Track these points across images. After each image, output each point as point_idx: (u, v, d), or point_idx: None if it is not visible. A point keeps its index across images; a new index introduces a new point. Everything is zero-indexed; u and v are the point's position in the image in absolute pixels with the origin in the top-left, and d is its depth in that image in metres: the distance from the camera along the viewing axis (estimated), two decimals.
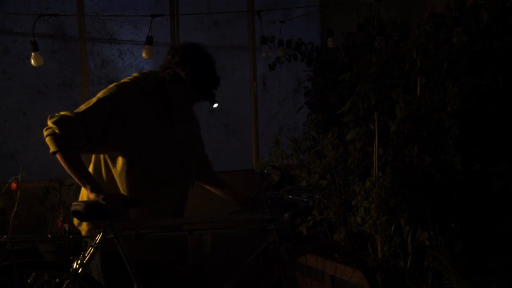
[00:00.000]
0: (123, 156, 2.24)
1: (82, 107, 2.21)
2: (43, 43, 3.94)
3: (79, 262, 2.14)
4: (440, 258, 2.80)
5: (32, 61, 3.57)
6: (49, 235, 2.31)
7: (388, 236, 3.19)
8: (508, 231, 2.64)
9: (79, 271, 2.12)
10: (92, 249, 2.16)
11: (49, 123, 2.14)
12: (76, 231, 2.36)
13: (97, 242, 2.17)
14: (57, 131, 2.12)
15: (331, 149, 3.61)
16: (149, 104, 2.30)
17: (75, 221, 2.36)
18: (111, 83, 4.11)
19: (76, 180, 2.20)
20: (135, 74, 2.39)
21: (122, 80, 2.36)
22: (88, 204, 2.13)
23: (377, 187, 3.17)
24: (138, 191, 2.25)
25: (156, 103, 2.32)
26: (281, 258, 2.45)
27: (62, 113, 2.16)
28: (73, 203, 2.19)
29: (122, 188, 2.25)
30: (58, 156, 2.16)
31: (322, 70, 4.26)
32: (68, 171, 2.21)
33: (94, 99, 2.23)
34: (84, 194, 2.30)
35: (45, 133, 2.16)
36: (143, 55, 3.88)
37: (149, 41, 3.82)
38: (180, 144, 2.37)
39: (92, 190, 2.17)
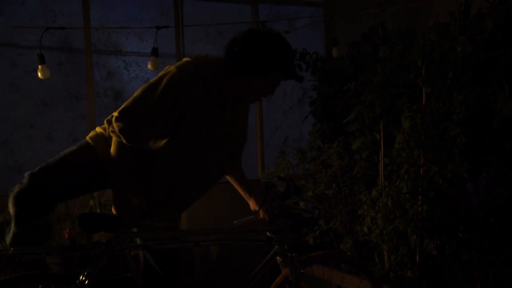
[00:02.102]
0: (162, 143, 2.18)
1: (145, 100, 2.06)
2: (50, 56, 3.98)
3: (85, 273, 2.14)
4: (448, 268, 2.79)
5: (39, 74, 3.59)
6: (55, 247, 2.31)
7: (395, 245, 3.17)
8: None
9: (86, 282, 2.12)
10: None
11: (116, 128, 2.07)
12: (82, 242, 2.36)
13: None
14: (123, 140, 2.08)
15: (336, 159, 3.61)
16: (207, 97, 2.16)
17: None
18: (117, 95, 4.26)
19: (120, 175, 2.15)
20: (197, 58, 2.18)
21: (186, 63, 2.15)
22: (94, 216, 2.14)
23: (383, 196, 3.17)
24: (159, 177, 2.22)
25: (215, 97, 2.18)
26: (287, 269, 2.44)
27: (127, 117, 2.06)
28: (79, 215, 2.20)
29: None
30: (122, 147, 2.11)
31: (327, 80, 4.26)
32: (119, 163, 2.14)
33: (159, 90, 2.05)
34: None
35: (112, 134, 2.11)
36: (149, 66, 3.90)
37: (155, 52, 3.84)
38: (222, 145, 2.30)
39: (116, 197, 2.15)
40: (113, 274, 2.35)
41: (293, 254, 2.45)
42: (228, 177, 2.62)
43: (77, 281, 2.13)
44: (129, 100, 2.11)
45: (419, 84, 3.22)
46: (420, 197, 3.09)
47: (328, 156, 3.67)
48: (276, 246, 2.44)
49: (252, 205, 2.60)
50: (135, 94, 2.11)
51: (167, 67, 2.19)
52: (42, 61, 3.57)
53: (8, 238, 2.13)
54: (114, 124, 2.09)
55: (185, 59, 2.22)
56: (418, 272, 3.11)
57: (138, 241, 2.32)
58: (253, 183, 2.35)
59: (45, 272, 2.22)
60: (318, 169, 3.74)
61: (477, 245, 2.71)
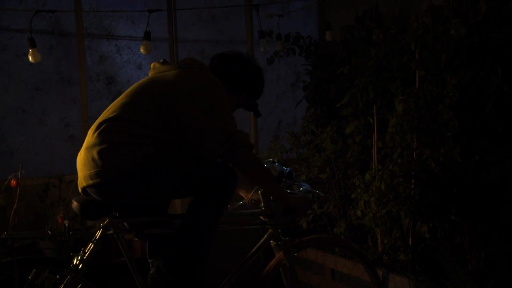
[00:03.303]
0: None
1: (229, 118, 2.18)
2: (41, 40, 3.93)
3: (79, 258, 2.14)
4: (440, 250, 2.81)
5: (30, 58, 3.56)
6: (49, 232, 2.31)
7: (388, 229, 3.19)
8: (507, 219, 2.64)
9: (80, 267, 2.12)
10: (92, 245, 2.16)
11: (240, 143, 2.14)
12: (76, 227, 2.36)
13: (97, 238, 2.17)
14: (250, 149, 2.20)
15: (330, 143, 3.61)
16: None
17: None
18: (109, 79, 4.23)
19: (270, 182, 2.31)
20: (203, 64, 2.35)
21: (211, 74, 2.29)
22: (87, 200, 2.14)
23: (376, 180, 3.18)
24: None
25: None
26: (281, 252, 2.45)
27: (235, 128, 2.16)
28: (73, 199, 2.20)
29: None
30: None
31: (320, 64, 4.25)
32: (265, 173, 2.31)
33: (221, 103, 2.18)
34: None
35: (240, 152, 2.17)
36: (141, 50, 3.88)
37: (147, 36, 3.81)
38: None
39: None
40: (107, 259, 2.36)
41: (287, 238, 2.46)
42: None
43: (71, 265, 2.13)
44: (216, 120, 2.13)
45: (412, 67, 3.22)
46: (413, 180, 3.10)
47: (322, 140, 3.67)
48: (270, 230, 2.45)
49: (244, 193, 2.59)
50: (219, 114, 2.15)
51: (187, 73, 2.24)
52: (33, 45, 3.53)
53: None
54: (238, 143, 2.13)
55: (196, 62, 2.32)
56: (411, 255, 3.14)
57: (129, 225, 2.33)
58: None
59: (39, 256, 2.22)
60: (312, 153, 3.74)
61: (469, 227, 2.73)
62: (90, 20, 4.18)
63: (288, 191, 2.48)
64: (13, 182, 3.50)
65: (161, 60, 2.35)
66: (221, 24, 4.68)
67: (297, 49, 4.32)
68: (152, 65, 2.36)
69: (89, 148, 2.10)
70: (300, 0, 4.81)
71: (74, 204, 2.16)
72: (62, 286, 2.09)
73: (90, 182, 2.08)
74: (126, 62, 4.34)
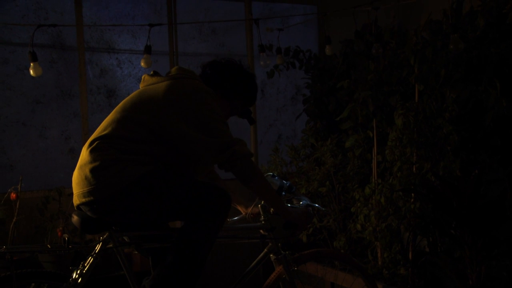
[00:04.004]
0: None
1: (223, 126, 2.16)
2: (42, 53, 3.96)
3: (78, 272, 2.14)
4: (440, 265, 2.80)
5: (31, 71, 3.57)
6: (48, 245, 2.30)
7: (388, 243, 3.19)
8: (506, 237, 2.64)
9: (79, 281, 2.12)
10: (92, 259, 2.16)
11: (240, 152, 2.12)
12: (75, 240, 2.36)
13: (96, 252, 2.17)
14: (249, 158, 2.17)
15: (330, 156, 3.62)
16: None
17: None
18: (110, 93, 4.25)
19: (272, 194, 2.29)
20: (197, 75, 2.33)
21: (200, 83, 2.26)
22: (87, 215, 2.14)
23: (376, 194, 3.18)
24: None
25: None
26: (281, 266, 2.44)
27: (231, 138, 2.13)
28: (73, 213, 2.19)
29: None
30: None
31: (320, 78, 4.27)
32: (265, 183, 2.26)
33: (214, 112, 2.15)
34: None
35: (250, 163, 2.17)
36: (142, 64, 3.89)
37: (148, 50, 3.83)
38: None
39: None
40: (106, 272, 2.35)
41: (287, 252, 2.46)
42: None
43: (70, 279, 2.12)
44: (208, 132, 2.11)
45: (411, 81, 3.24)
46: (413, 194, 3.10)
47: (322, 153, 3.68)
48: (270, 244, 2.45)
49: (242, 208, 2.58)
50: (212, 124, 2.13)
51: (178, 83, 2.21)
52: (34, 58, 3.55)
53: None
54: (239, 154, 2.11)
55: (185, 72, 2.29)
56: (411, 269, 3.13)
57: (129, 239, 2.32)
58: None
59: (38, 270, 2.21)
60: (312, 166, 3.75)
61: (469, 242, 2.72)
62: (91, 34, 4.21)
63: (289, 205, 2.47)
64: (13, 195, 3.51)
65: (151, 72, 2.33)
66: (222, 37, 4.71)
67: (297, 63, 4.35)
68: (142, 77, 2.34)
69: (82, 166, 2.10)
70: (300, 14, 4.85)
71: (75, 218, 2.16)
72: None
73: (84, 200, 2.08)
74: (127, 75, 4.36)
